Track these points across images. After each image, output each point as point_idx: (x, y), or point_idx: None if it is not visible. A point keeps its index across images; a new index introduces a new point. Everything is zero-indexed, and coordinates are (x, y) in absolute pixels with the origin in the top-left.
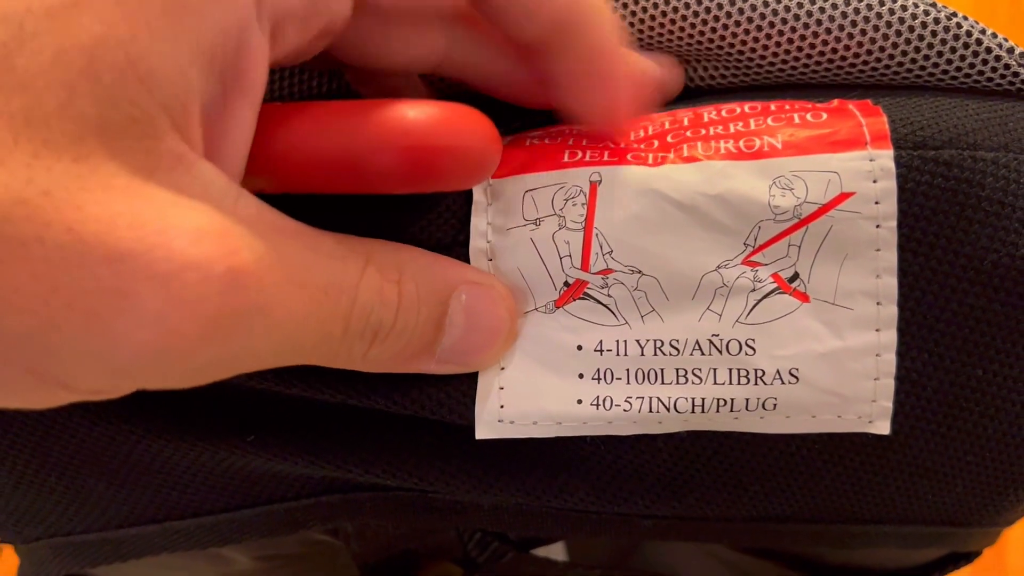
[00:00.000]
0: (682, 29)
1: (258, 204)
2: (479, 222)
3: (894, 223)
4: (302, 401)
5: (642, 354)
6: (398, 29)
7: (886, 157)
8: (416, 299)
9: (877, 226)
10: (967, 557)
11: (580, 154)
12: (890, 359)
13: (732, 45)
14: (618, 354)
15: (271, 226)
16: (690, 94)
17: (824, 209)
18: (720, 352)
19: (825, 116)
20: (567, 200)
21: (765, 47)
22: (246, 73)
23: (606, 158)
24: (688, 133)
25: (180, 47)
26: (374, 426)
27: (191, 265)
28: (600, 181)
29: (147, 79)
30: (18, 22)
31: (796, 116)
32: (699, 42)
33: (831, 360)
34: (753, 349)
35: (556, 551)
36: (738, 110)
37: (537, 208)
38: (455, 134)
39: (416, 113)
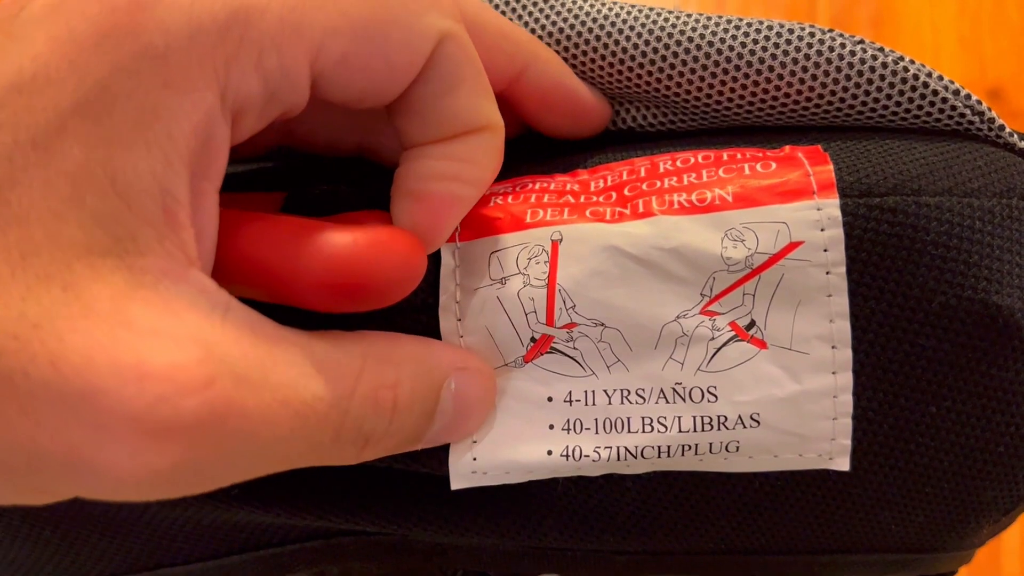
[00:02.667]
0: (639, 76)
1: (247, 313)
2: (448, 284)
3: (843, 269)
4: None
5: (609, 403)
6: (346, 119)
7: (832, 206)
8: (411, 400)
9: (827, 273)
10: None
11: (542, 213)
12: (847, 400)
13: (688, 92)
14: (587, 404)
15: (260, 337)
16: (648, 137)
17: (775, 259)
18: (684, 400)
19: (774, 166)
20: (530, 259)
21: (720, 92)
22: (213, 162)
23: (566, 216)
24: (644, 186)
25: (155, 155)
26: (352, 477)
27: (162, 400)
28: (561, 239)
29: (126, 193)
30: (7, 156)
31: (747, 167)
32: (655, 88)
33: (790, 403)
34: (715, 396)
35: None
36: (692, 160)
37: (503, 267)
38: (374, 267)
39: (338, 246)
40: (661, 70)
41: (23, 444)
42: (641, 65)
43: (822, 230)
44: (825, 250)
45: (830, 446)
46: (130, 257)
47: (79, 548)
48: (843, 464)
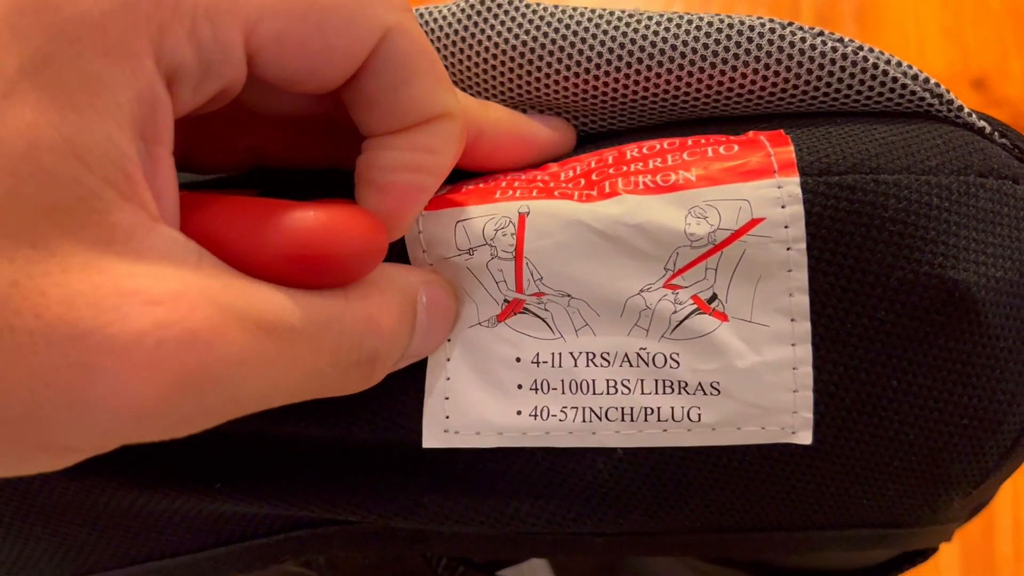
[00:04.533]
0: (605, 84)
1: (222, 262)
2: (415, 251)
3: (803, 245)
4: (265, 446)
5: (575, 365)
6: (317, 134)
7: (793, 184)
8: (400, 317)
9: (788, 249)
10: (922, 554)
11: (511, 192)
12: (807, 371)
13: (654, 94)
14: (553, 366)
15: (238, 276)
16: (617, 134)
17: (737, 234)
18: (647, 364)
19: (737, 148)
20: (497, 230)
21: (684, 92)
22: (160, 126)
23: (535, 195)
24: (611, 171)
25: (107, 120)
26: (333, 467)
27: (145, 332)
28: (528, 212)
29: (84, 156)
30: None
31: (710, 150)
32: (622, 94)
33: (750, 374)
34: (677, 363)
35: (540, 567)
36: (658, 146)
37: (469, 238)
38: (336, 241)
39: (300, 220)
40: (627, 76)
41: (20, 394)
42: (607, 74)
43: (783, 207)
44: (786, 226)
45: (792, 419)
46: (97, 215)
47: (69, 544)
48: (806, 438)
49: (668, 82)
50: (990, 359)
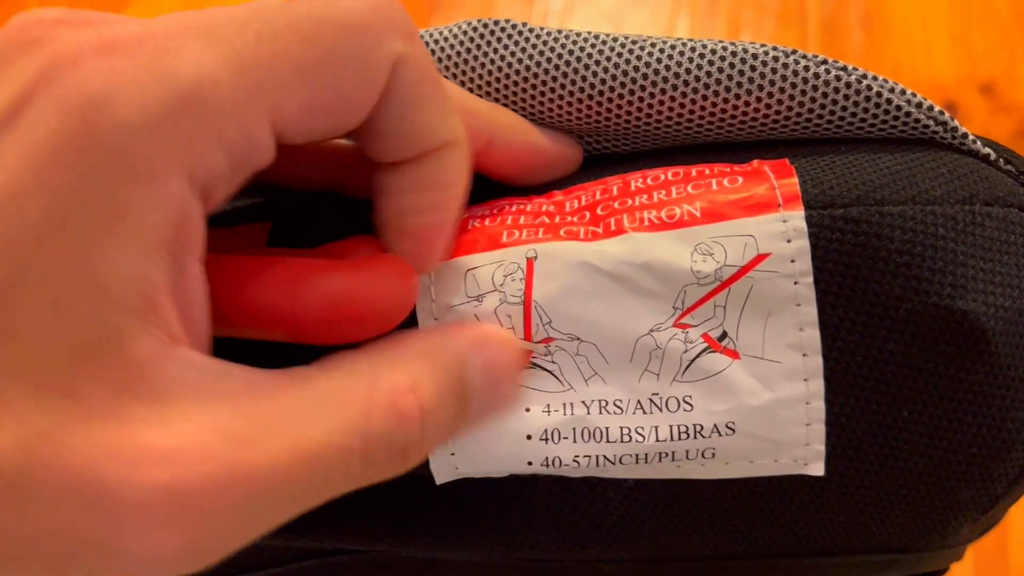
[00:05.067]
0: (608, 110)
1: (242, 372)
2: (424, 301)
3: (811, 279)
4: None
5: (588, 414)
6: (312, 162)
7: (798, 218)
8: (437, 395)
9: (795, 283)
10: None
11: (518, 233)
12: (819, 406)
13: (658, 120)
14: (565, 415)
15: (258, 392)
16: (622, 158)
17: (743, 271)
18: (660, 410)
19: (741, 181)
20: (506, 276)
21: (688, 119)
22: (191, 239)
23: (541, 236)
24: (616, 204)
25: (131, 249)
26: (343, 497)
27: (162, 487)
28: (536, 257)
29: (106, 290)
30: None
31: (714, 182)
32: (625, 119)
33: (764, 411)
34: (691, 405)
35: None
36: (662, 177)
37: (479, 285)
38: (371, 298)
39: (335, 283)
40: (630, 103)
41: (59, 546)
42: (610, 100)
43: (788, 241)
44: (792, 261)
45: (805, 451)
46: (117, 350)
47: None
48: (818, 469)
49: (671, 108)
50: (999, 388)
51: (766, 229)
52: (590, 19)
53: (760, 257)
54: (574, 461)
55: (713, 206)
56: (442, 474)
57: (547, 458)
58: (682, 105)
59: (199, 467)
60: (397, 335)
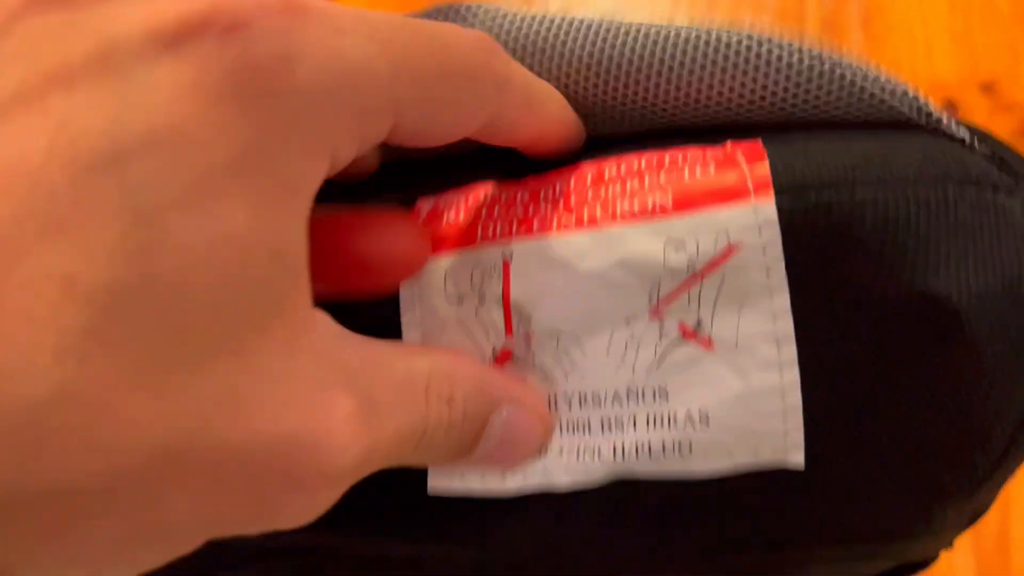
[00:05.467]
0: (595, 91)
1: (353, 339)
2: (408, 301)
3: (782, 268)
4: None
5: (570, 408)
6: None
7: (768, 208)
8: (462, 420)
9: (767, 272)
10: (922, 565)
11: (492, 228)
12: (795, 396)
13: (635, 100)
14: (549, 409)
15: (368, 362)
16: (598, 144)
17: (716, 262)
18: (637, 401)
19: (713, 168)
20: (484, 278)
21: (665, 98)
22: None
23: (514, 230)
24: (589, 195)
25: (299, 218)
26: None
27: (338, 452)
28: (512, 257)
29: (280, 258)
30: (150, 220)
31: (687, 170)
32: (598, 105)
33: (740, 402)
34: (666, 396)
35: None
36: (636, 164)
37: (458, 287)
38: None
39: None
40: (600, 86)
41: (206, 517)
42: (577, 83)
43: (759, 231)
44: (764, 251)
45: (783, 442)
46: (285, 316)
47: None
48: (798, 459)
49: (638, 92)
50: (976, 370)
51: (738, 220)
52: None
53: (732, 248)
54: (560, 453)
55: (685, 196)
56: (437, 479)
57: None
58: (655, 94)
59: (360, 440)
60: (456, 353)
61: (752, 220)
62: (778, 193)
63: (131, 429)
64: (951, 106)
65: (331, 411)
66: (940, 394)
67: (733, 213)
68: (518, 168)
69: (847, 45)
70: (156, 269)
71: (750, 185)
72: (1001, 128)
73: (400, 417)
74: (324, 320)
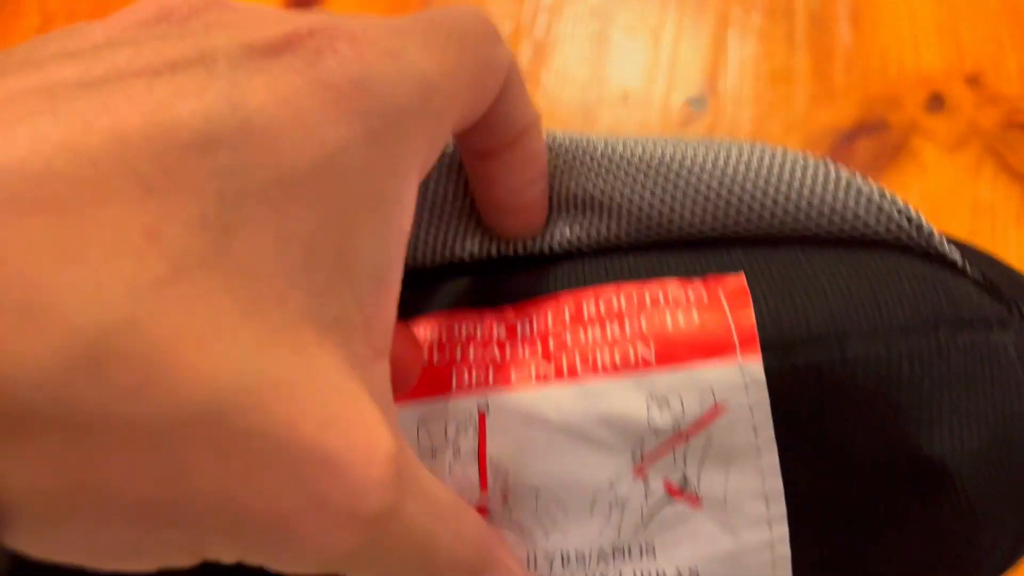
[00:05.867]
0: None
1: (394, 410)
2: None
3: (770, 428)
4: None
5: (551, 568)
6: None
7: (755, 367)
8: (466, 564)
9: (755, 431)
10: None
11: (467, 374)
12: (784, 548)
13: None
14: (527, 566)
15: (389, 405)
16: (574, 258)
17: (702, 422)
18: (624, 557)
19: (696, 314)
20: (459, 430)
21: (650, 206)
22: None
23: (491, 378)
24: (568, 338)
25: (377, 239)
26: None
27: (378, 486)
28: (488, 410)
29: (350, 274)
30: (231, 204)
31: (668, 316)
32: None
33: (729, 558)
34: (654, 553)
35: None
36: (615, 303)
37: (431, 439)
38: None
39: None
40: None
41: (229, 502)
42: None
43: (747, 391)
44: (751, 411)
45: None
46: (345, 334)
47: None
48: None
49: (624, 183)
50: (966, 521)
51: (724, 379)
52: (578, 16)
53: (719, 408)
54: None
55: (668, 348)
56: None
57: None
58: (635, 179)
59: (392, 486)
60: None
61: (739, 380)
62: (764, 350)
63: (190, 376)
64: (937, 99)
65: (373, 453)
66: (929, 542)
67: (719, 372)
68: (495, 284)
69: (835, 39)
70: (232, 249)
71: (735, 338)
72: (986, 120)
73: (420, 521)
74: (383, 376)
